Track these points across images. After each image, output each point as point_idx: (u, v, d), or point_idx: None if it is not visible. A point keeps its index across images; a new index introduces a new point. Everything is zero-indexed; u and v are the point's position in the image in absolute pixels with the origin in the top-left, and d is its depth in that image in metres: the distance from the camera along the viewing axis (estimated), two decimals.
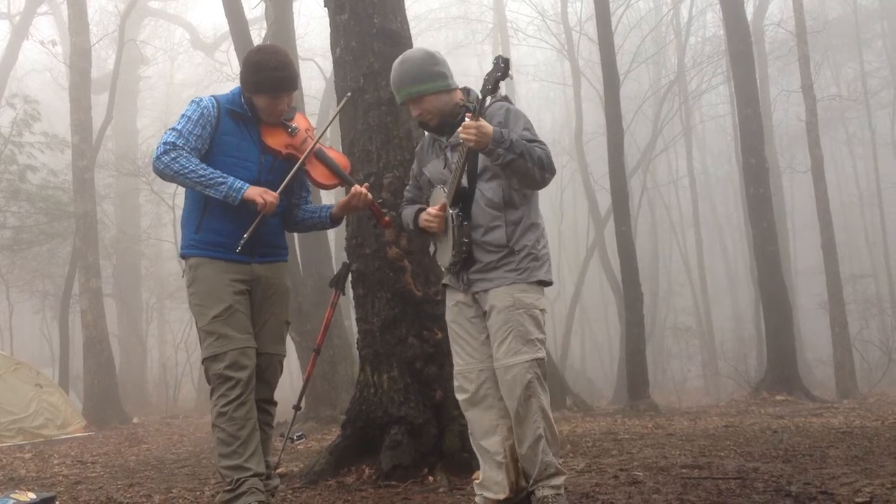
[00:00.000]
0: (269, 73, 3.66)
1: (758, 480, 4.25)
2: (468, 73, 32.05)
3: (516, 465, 3.51)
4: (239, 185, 3.54)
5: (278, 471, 5.29)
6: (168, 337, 25.00)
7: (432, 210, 3.59)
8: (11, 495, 4.22)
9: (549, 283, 3.55)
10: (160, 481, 5.71)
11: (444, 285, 3.71)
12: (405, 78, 3.54)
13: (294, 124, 3.86)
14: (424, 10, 28.15)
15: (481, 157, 3.45)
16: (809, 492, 3.87)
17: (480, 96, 3.30)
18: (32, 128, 17.63)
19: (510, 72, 3.21)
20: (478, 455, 3.60)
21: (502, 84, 3.35)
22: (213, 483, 5.29)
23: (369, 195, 3.84)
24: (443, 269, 3.67)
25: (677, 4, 26.79)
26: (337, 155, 4.02)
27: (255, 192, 3.55)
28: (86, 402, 14.45)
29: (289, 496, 4.53)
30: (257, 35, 17.87)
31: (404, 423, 4.73)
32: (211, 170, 3.55)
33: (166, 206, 19.68)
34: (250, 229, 3.57)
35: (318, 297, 10.79)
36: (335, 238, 16.94)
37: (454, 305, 3.63)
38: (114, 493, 5.15)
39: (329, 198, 17.98)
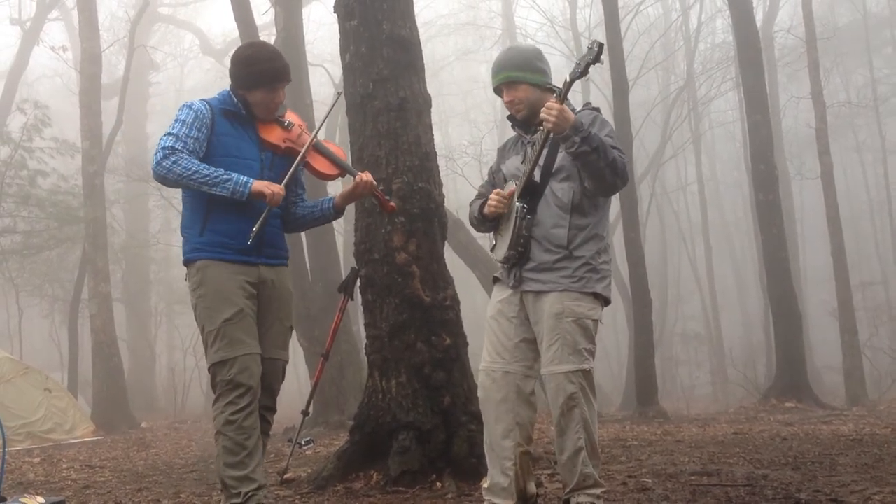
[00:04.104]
0: (265, 64, 3.66)
1: (767, 488, 4.24)
2: (477, 79, 32.08)
3: (525, 472, 3.48)
4: (244, 179, 3.51)
5: (286, 476, 5.30)
6: (177, 342, 24.97)
7: (500, 191, 3.57)
8: (20, 499, 4.22)
9: (606, 300, 3.49)
10: (169, 486, 5.72)
11: (495, 279, 3.67)
12: (508, 62, 3.56)
13: (288, 119, 3.85)
14: (434, 16, 28.18)
15: (559, 155, 3.42)
16: (819, 499, 3.86)
17: (569, 78, 3.27)
18: (43, 133, 17.65)
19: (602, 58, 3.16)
20: (487, 458, 3.56)
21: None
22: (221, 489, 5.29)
23: (373, 181, 3.81)
24: (497, 263, 3.62)
25: (686, 11, 26.78)
26: (334, 147, 4.01)
27: (261, 185, 3.52)
28: (94, 407, 14.46)
29: (297, 502, 4.53)
30: (267, 41, 17.90)
31: (412, 428, 4.73)
32: (213, 168, 3.51)
33: (175, 212, 19.73)
34: (259, 221, 3.53)
35: (326, 302, 10.79)
36: (344, 243, 16.95)
37: (497, 302, 3.59)
38: (122, 498, 5.17)
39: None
